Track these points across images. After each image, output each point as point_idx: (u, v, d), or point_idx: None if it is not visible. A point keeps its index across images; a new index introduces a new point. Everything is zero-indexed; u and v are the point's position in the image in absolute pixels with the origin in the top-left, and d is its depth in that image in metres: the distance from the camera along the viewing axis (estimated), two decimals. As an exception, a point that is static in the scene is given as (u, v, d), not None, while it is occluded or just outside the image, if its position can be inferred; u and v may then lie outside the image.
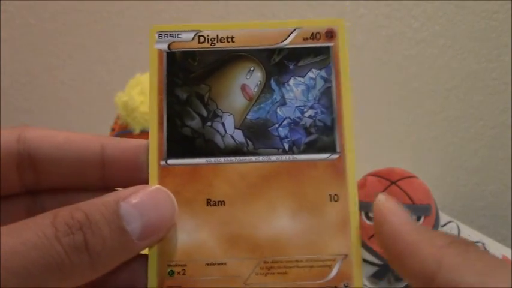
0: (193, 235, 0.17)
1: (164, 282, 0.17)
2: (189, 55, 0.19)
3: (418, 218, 0.47)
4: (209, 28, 0.19)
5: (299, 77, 0.18)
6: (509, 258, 0.50)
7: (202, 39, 0.19)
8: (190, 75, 0.18)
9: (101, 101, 0.81)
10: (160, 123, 0.18)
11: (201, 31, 0.19)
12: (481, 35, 0.82)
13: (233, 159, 0.18)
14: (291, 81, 0.18)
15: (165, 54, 0.19)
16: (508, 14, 0.81)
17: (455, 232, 0.50)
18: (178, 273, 0.17)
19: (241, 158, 0.18)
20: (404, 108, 0.84)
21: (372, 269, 0.50)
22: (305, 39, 0.19)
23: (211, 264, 0.17)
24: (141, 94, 0.47)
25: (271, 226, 0.17)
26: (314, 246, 0.17)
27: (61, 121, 0.83)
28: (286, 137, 0.18)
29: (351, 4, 0.81)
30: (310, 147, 0.18)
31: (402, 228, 0.15)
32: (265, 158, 0.18)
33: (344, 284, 0.17)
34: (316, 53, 0.18)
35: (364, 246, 0.48)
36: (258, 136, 0.18)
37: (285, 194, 0.18)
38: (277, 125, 0.18)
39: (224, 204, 0.18)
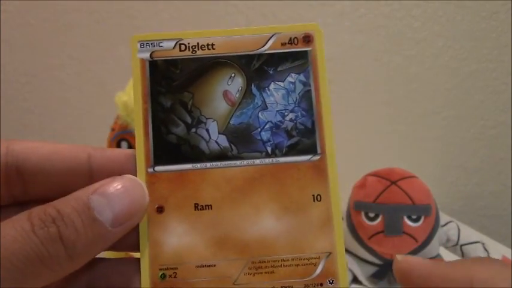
0: (182, 239, 0.18)
1: (156, 285, 0.18)
2: (171, 63, 0.19)
3: (418, 218, 0.46)
4: (190, 36, 0.19)
5: (279, 81, 0.19)
6: (509, 258, 0.50)
7: (183, 47, 0.19)
8: (173, 83, 0.19)
9: (101, 101, 0.81)
10: (146, 132, 0.19)
11: (181, 39, 0.19)
12: (481, 35, 0.82)
13: (218, 164, 0.18)
14: (271, 86, 0.19)
15: (147, 63, 0.19)
16: (508, 14, 0.81)
17: (455, 232, 0.50)
18: (170, 276, 0.18)
19: (226, 162, 0.18)
20: (404, 108, 0.84)
21: (372, 269, 0.50)
22: (283, 44, 0.19)
23: (201, 266, 0.18)
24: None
25: (257, 227, 0.18)
26: (299, 245, 0.18)
27: (61, 121, 0.83)
28: (269, 141, 0.19)
29: (351, 4, 0.81)
30: (292, 150, 0.19)
31: (429, 267, 0.17)
32: (249, 161, 0.18)
33: (329, 281, 0.18)
34: (294, 58, 0.19)
35: (364, 246, 0.48)
36: (242, 140, 0.19)
37: (270, 196, 0.18)
38: (259, 129, 0.19)
39: (211, 208, 0.18)
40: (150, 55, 0.19)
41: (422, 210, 0.47)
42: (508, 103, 0.83)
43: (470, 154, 0.85)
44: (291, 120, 0.19)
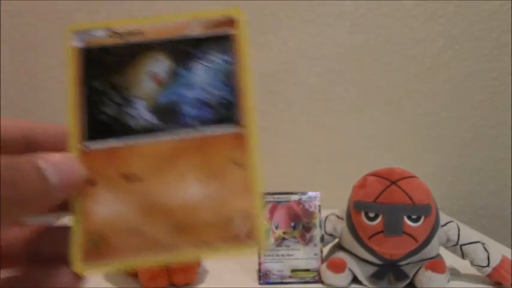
0: (114, 209, 0.20)
1: (89, 252, 0.19)
2: (103, 50, 0.21)
3: (418, 218, 0.46)
4: (120, 24, 0.21)
5: (203, 61, 0.21)
6: (509, 258, 0.50)
7: (114, 35, 0.21)
8: (105, 68, 0.21)
9: (101, 101, 0.80)
10: (79, 112, 0.21)
11: (113, 27, 0.21)
12: (481, 35, 0.82)
13: (147, 139, 0.20)
14: (197, 66, 0.21)
15: (80, 51, 0.21)
16: (508, 14, 0.81)
17: (455, 232, 0.50)
18: (101, 242, 0.19)
19: (154, 137, 0.20)
20: (404, 108, 0.84)
21: (372, 269, 0.50)
22: (207, 28, 0.21)
23: (130, 233, 0.19)
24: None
25: (182, 194, 0.20)
26: (220, 207, 0.20)
27: (61, 121, 0.83)
28: (194, 115, 0.21)
29: (351, 4, 0.81)
30: (216, 123, 0.20)
31: None
32: (176, 135, 0.20)
33: (249, 241, 0.19)
34: (217, 40, 0.21)
35: (364, 246, 0.48)
36: (168, 116, 0.21)
37: (194, 165, 0.20)
38: (185, 106, 0.21)
39: (141, 180, 0.20)
40: (84, 43, 0.21)
41: (422, 210, 0.47)
42: (508, 103, 0.83)
43: (470, 154, 0.85)
44: (214, 96, 0.21)
